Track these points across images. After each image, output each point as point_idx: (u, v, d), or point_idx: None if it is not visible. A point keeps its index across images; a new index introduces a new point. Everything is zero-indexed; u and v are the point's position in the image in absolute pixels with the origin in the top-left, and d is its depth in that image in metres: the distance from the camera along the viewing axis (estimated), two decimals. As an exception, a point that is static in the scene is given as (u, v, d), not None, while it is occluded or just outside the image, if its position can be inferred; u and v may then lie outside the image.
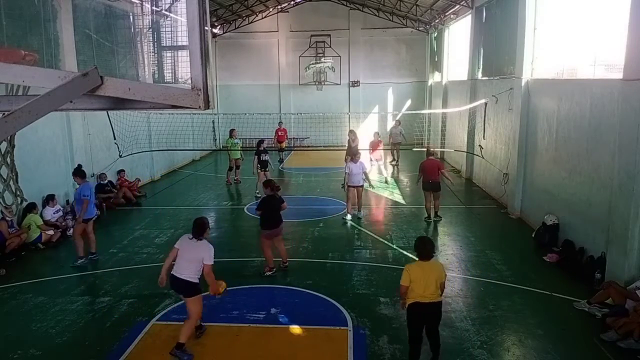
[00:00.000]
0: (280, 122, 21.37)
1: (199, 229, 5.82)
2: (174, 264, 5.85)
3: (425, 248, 5.44)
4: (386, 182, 15.79)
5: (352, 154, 12.45)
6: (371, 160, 16.00)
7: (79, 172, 9.07)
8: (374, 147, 16.01)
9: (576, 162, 8.93)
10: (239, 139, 16.47)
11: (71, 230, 10.65)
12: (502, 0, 13.26)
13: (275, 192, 8.26)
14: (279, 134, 20.75)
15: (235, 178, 15.98)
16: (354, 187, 11.60)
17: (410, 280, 5.31)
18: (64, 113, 10.37)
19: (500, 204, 12.80)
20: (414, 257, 9.10)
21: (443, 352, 5.69)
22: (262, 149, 13.99)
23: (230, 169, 15.98)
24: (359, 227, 11.16)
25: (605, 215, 7.69)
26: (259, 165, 13.79)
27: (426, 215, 11.56)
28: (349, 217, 11.66)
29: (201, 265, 5.69)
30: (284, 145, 21.06)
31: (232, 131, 16.04)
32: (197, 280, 5.74)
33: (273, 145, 21.22)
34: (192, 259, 5.72)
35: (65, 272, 8.67)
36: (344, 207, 12.70)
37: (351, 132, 15.92)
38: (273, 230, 8.21)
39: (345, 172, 11.78)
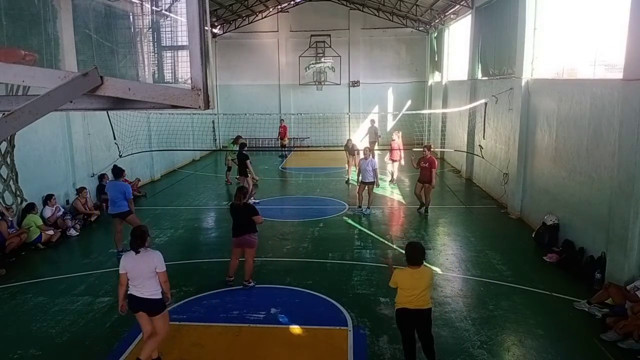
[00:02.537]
0: (281, 120, 22.25)
1: (138, 240, 5.29)
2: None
3: (415, 254, 5.25)
4: (392, 181, 15.87)
5: (359, 151, 12.67)
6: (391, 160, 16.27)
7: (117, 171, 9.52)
8: (394, 147, 16.22)
9: (576, 162, 8.93)
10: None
11: (71, 230, 10.69)
12: (502, 0, 13.26)
13: (238, 202, 7.79)
14: (280, 130, 21.87)
15: (237, 177, 15.97)
16: (361, 183, 12.29)
17: (399, 284, 5.25)
18: (64, 113, 10.37)
19: (500, 204, 12.80)
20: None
21: (443, 352, 5.69)
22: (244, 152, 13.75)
23: (229, 169, 16.00)
24: (359, 227, 11.16)
25: (605, 215, 7.69)
26: (249, 170, 13.42)
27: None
28: (360, 209, 12.34)
29: (157, 276, 5.26)
30: (285, 141, 22.02)
31: (238, 138, 16.03)
32: (161, 295, 5.35)
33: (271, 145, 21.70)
34: (148, 274, 5.22)
35: (65, 272, 8.68)
36: (344, 207, 12.80)
37: (349, 141, 16.53)
38: (236, 238, 7.79)
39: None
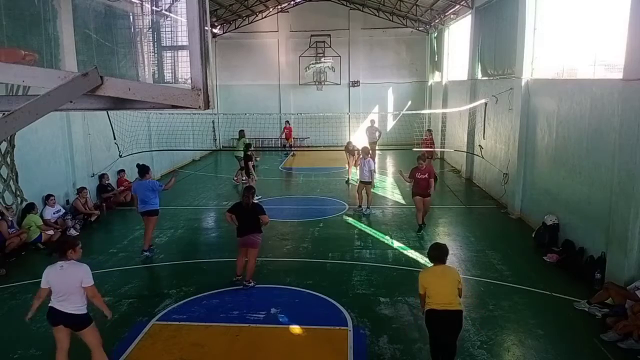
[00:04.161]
0: (286, 121, 22.28)
1: (62, 248, 5.05)
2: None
3: (435, 252, 5.36)
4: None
5: (365, 152, 12.63)
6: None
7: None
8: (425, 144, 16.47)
9: (576, 162, 8.93)
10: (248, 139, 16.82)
11: (71, 230, 10.67)
12: (502, 0, 13.26)
13: (247, 201, 7.80)
14: (285, 131, 22.06)
15: (244, 178, 16.00)
16: (360, 182, 12.44)
17: (424, 285, 5.19)
18: (64, 113, 10.37)
19: (500, 204, 12.80)
20: (414, 257, 9.21)
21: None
22: (249, 153, 13.92)
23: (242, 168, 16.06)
24: (359, 227, 11.16)
25: (605, 215, 7.69)
26: (252, 170, 13.61)
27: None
28: (360, 209, 12.37)
29: (83, 290, 4.98)
30: (290, 141, 22.32)
31: (241, 132, 16.60)
32: (86, 310, 5.09)
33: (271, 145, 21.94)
34: (73, 288, 4.93)
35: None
36: (344, 207, 12.80)
37: (349, 143, 16.55)
38: (240, 238, 7.82)
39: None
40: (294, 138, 22.98)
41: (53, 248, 5.14)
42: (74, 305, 5.00)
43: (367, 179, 12.07)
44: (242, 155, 15.71)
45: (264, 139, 23.53)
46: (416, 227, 10.75)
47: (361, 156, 12.53)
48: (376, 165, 12.43)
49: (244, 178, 15.82)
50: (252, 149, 14.74)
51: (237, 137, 17.31)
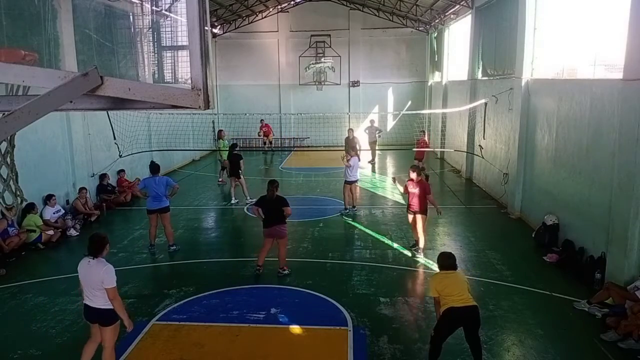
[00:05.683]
0: (262, 120, 22.54)
1: (94, 246, 5.10)
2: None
3: (451, 261, 5.56)
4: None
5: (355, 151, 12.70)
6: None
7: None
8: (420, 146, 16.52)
9: (576, 162, 8.93)
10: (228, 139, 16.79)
11: (71, 230, 10.68)
12: (502, 0, 13.26)
13: (271, 194, 8.14)
14: (264, 130, 22.68)
15: (220, 179, 16.02)
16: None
17: (438, 289, 5.36)
18: (64, 113, 10.37)
19: (500, 204, 12.80)
20: (414, 258, 9.20)
21: (444, 352, 5.68)
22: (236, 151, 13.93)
23: (223, 168, 15.99)
24: (359, 227, 11.16)
25: (605, 215, 7.69)
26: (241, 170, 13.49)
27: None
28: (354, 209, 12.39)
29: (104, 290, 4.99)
30: (269, 139, 22.94)
31: (220, 132, 16.51)
32: (112, 306, 5.06)
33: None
34: (94, 284, 4.99)
35: (65, 272, 8.65)
36: (344, 207, 12.81)
37: (351, 130, 16.71)
38: (266, 229, 8.20)
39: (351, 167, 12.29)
40: (290, 138, 23.08)
41: (89, 246, 5.17)
42: (99, 301, 5.05)
43: (352, 179, 12.22)
44: (225, 157, 15.69)
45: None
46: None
47: (356, 154, 12.67)
48: (357, 169, 12.43)
49: (220, 179, 15.86)
50: (238, 149, 14.65)
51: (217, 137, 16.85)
